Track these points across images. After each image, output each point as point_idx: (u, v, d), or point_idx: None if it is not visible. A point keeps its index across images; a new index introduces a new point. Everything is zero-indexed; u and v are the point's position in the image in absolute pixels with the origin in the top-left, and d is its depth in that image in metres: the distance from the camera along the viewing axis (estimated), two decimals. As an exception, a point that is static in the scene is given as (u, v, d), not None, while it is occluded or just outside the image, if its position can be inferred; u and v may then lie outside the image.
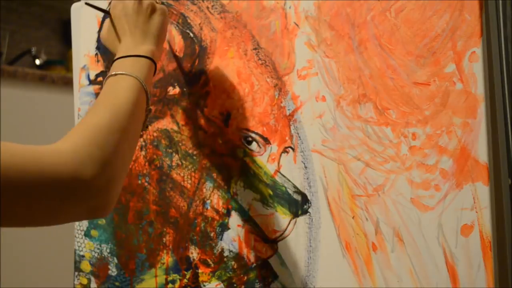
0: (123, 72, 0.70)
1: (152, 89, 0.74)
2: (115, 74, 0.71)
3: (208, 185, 0.87)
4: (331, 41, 0.78)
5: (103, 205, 0.61)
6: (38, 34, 2.56)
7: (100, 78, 0.99)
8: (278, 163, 0.81)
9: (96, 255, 0.97)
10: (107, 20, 0.80)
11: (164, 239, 0.90)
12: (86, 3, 0.83)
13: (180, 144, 0.90)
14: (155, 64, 0.75)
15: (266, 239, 0.82)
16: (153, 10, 0.78)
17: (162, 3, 0.92)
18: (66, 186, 0.56)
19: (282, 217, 0.80)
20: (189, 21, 0.90)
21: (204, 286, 0.86)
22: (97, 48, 0.99)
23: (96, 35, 0.99)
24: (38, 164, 0.54)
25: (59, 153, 0.57)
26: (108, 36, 0.80)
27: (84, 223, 0.98)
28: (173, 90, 0.91)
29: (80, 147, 0.59)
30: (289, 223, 0.80)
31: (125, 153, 0.64)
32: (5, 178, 0.51)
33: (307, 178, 0.78)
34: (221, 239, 0.85)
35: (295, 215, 0.79)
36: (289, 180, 0.80)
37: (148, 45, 0.75)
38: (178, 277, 0.89)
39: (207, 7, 0.89)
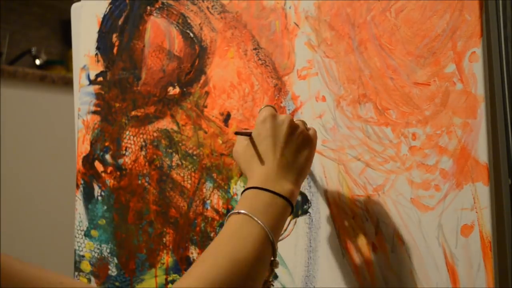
0: (251, 216, 0.60)
1: (280, 234, 0.63)
2: (242, 213, 0.61)
3: (208, 185, 0.87)
4: (331, 41, 0.78)
5: None
6: (38, 34, 2.56)
7: (100, 78, 0.99)
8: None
9: (96, 255, 0.97)
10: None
11: (164, 239, 0.90)
12: (236, 133, 0.70)
13: (180, 144, 0.90)
14: (292, 206, 0.64)
15: (266, 239, 0.82)
16: (303, 141, 0.67)
17: (162, 3, 0.92)
18: None
19: (282, 217, 0.80)
20: (189, 21, 0.90)
21: (204, 286, 0.86)
22: (97, 48, 0.99)
23: (96, 35, 0.99)
24: None
25: None
26: (243, 152, 0.68)
27: (84, 223, 0.98)
28: (173, 90, 0.91)
29: None
30: (289, 223, 0.80)
31: None
32: None
33: (307, 178, 0.78)
34: (221, 239, 0.85)
35: (295, 215, 0.79)
36: (289, 180, 0.80)
37: (290, 183, 0.64)
38: (178, 277, 0.89)
39: (207, 7, 0.89)
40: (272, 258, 0.61)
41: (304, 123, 0.70)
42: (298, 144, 0.66)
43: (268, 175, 0.64)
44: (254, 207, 0.61)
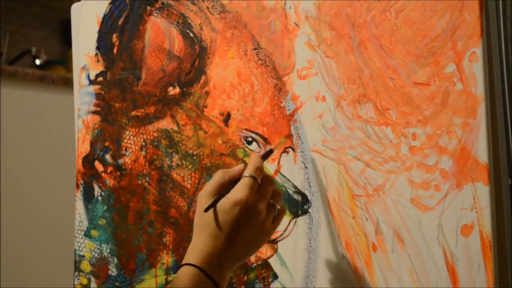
0: None
1: None
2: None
3: (208, 185, 0.87)
4: (331, 41, 0.78)
5: None
6: (38, 34, 2.56)
7: (100, 78, 0.99)
8: (278, 163, 0.81)
9: (96, 255, 0.97)
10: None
11: (164, 239, 0.90)
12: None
13: (180, 144, 0.90)
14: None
15: (266, 239, 0.82)
16: (261, 232, 0.68)
17: (162, 3, 0.92)
18: None
19: (282, 217, 0.80)
20: (189, 21, 0.90)
21: (204, 286, 0.86)
22: (97, 48, 0.99)
23: (96, 35, 0.99)
24: None
25: None
26: (212, 221, 0.69)
27: (84, 223, 0.98)
28: (173, 90, 0.91)
29: None
30: (289, 223, 0.80)
31: None
32: None
33: (307, 178, 0.78)
34: (221, 239, 0.85)
35: (295, 215, 0.79)
36: (289, 180, 0.80)
37: (227, 270, 0.67)
38: (178, 277, 0.89)
39: (207, 7, 0.89)
40: None
41: (274, 208, 0.69)
42: (254, 233, 0.67)
43: (212, 257, 0.66)
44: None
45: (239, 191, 0.67)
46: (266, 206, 0.68)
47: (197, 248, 0.67)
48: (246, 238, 0.66)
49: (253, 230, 0.67)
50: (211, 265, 0.65)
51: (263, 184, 0.68)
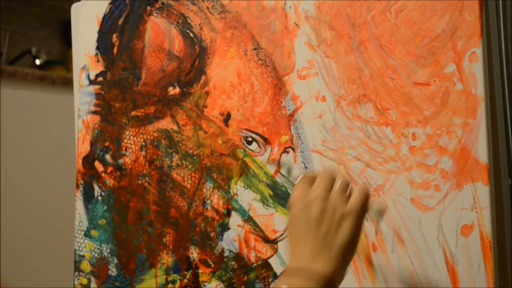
0: None
1: None
2: None
3: (208, 185, 0.87)
4: (331, 41, 0.78)
5: None
6: (38, 34, 2.56)
7: (100, 78, 0.99)
8: (278, 163, 0.81)
9: (96, 255, 0.97)
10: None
11: (164, 239, 0.90)
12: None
13: (180, 144, 0.90)
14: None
15: (266, 239, 0.82)
16: (342, 217, 0.62)
17: (162, 3, 0.92)
18: None
19: (282, 217, 0.80)
20: (189, 21, 0.90)
21: (205, 286, 0.86)
22: (97, 48, 0.99)
23: (96, 35, 0.99)
24: None
25: None
26: (288, 230, 0.66)
27: (84, 223, 0.98)
28: (173, 90, 0.91)
29: None
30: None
31: None
32: None
33: (307, 178, 0.78)
34: (221, 239, 0.85)
35: (295, 215, 0.79)
36: (289, 180, 0.80)
37: (329, 262, 0.61)
38: (178, 277, 0.89)
39: (207, 7, 0.89)
40: None
41: (345, 189, 0.65)
42: (336, 222, 0.62)
43: (304, 258, 0.62)
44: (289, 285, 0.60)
45: (292, 193, 0.66)
46: (333, 190, 0.64)
47: (290, 262, 0.64)
48: (322, 227, 0.62)
49: (325, 217, 0.62)
50: (306, 264, 0.62)
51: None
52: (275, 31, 0.82)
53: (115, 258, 0.95)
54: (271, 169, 0.81)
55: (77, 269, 0.99)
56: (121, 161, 0.95)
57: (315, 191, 0.64)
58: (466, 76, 0.68)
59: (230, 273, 0.84)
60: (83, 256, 0.98)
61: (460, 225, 0.68)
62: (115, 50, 0.98)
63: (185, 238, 0.88)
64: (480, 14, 0.67)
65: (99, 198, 0.97)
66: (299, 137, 0.79)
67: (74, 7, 1.03)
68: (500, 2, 0.72)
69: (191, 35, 0.90)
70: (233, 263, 0.84)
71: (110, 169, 0.96)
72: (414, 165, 0.71)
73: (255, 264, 0.83)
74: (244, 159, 0.83)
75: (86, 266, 0.98)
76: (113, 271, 0.95)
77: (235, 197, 0.84)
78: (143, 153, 0.93)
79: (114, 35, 0.98)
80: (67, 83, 2.02)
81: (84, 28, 1.01)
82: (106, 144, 0.97)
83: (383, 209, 0.69)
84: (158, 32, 0.93)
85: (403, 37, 0.72)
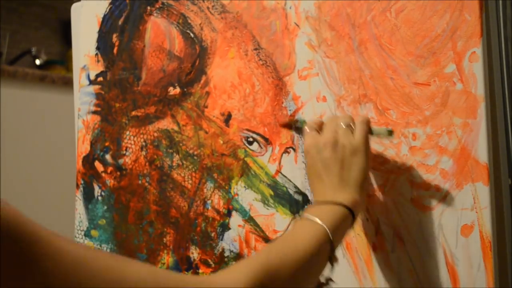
0: (311, 218, 0.65)
1: (341, 236, 0.67)
2: (302, 218, 0.66)
3: (209, 185, 0.87)
4: (331, 41, 0.78)
5: None
6: (38, 34, 2.56)
7: (100, 78, 0.99)
8: (279, 163, 0.81)
9: (96, 255, 0.97)
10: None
11: (164, 239, 0.90)
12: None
13: (181, 144, 0.90)
14: (353, 214, 0.67)
15: (267, 239, 0.82)
16: (352, 153, 0.69)
17: (163, 3, 0.92)
18: None
19: (283, 217, 0.81)
20: (189, 21, 0.90)
21: (205, 286, 0.86)
22: (97, 48, 0.99)
23: (96, 35, 0.99)
24: None
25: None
26: (307, 172, 0.75)
27: (84, 223, 0.98)
28: (174, 90, 0.91)
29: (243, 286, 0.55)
30: (290, 223, 0.80)
31: None
32: None
33: (306, 178, 0.78)
34: (221, 239, 0.85)
35: (296, 215, 0.79)
36: (290, 181, 0.80)
37: (349, 193, 0.68)
38: (178, 277, 0.89)
39: (208, 7, 0.89)
40: (330, 258, 0.64)
41: (349, 126, 0.71)
42: (347, 159, 0.69)
43: (325, 192, 0.69)
44: (313, 213, 0.66)
45: (304, 142, 0.74)
46: (339, 132, 0.71)
47: (314, 197, 0.71)
48: (335, 165, 0.69)
49: (337, 156, 0.69)
50: (327, 196, 0.69)
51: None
52: (276, 31, 0.82)
53: (115, 258, 0.95)
54: (272, 169, 0.81)
55: (78, 269, 0.99)
56: (121, 161, 0.95)
57: (324, 137, 0.71)
58: (466, 76, 0.68)
59: (231, 273, 0.84)
60: (83, 256, 0.98)
61: (460, 225, 0.68)
62: (115, 50, 0.98)
63: (186, 238, 0.88)
64: (480, 14, 0.68)
65: (99, 198, 0.97)
66: (300, 137, 0.79)
67: (74, 7, 1.03)
68: (500, 2, 0.72)
69: (192, 35, 0.90)
70: (233, 263, 0.84)
71: (110, 169, 0.96)
72: (414, 165, 0.71)
73: (255, 264, 0.83)
74: (245, 159, 0.83)
75: (86, 266, 0.98)
76: (113, 271, 0.95)
77: (236, 197, 0.84)
78: (144, 153, 0.93)
79: (114, 35, 0.98)
80: (67, 83, 2.02)
81: (84, 28, 1.01)
82: (106, 144, 0.97)
83: (390, 130, 0.72)
84: (159, 32, 0.93)
85: (403, 37, 0.72)
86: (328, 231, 0.63)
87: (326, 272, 0.65)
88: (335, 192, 0.68)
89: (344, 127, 0.71)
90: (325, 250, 0.63)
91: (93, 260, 0.45)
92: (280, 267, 0.59)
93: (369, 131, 0.71)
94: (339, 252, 0.76)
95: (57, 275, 0.41)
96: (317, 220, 0.64)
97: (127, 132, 0.95)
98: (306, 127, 0.74)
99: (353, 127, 0.71)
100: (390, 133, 0.71)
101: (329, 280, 0.66)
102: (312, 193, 0.72)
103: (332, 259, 0.64)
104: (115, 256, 0.52)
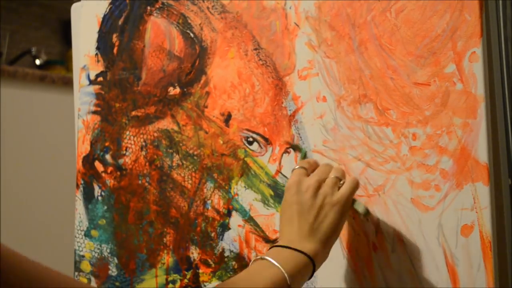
0: (272, 261, 0.65)
1: (299, 284, 0.67)
2: (262, 258, 0.66)
3: (209, 185, 0.87)
4: (331, 41, 0.78)
5: None
6: (38, 34, 2.56)
7: (100, 78, 0.99)
8: (279, 163, 0.81)
9: (96, 255, 0.97)
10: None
11: (164, 239, 0.90)
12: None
13: (181, 144, 0.90)
14: (314, 265, 0.67)
15: (267, 239, 0.82)
16: (331, 205, 0.69)
17: (163, 3, 0.92)
18: None
19: (282, 217, 0.80)
20: (189, 21, 0.90)
21: (205, 286, 0.86)
22: (97, 48, 0.99)
23: (96, 35, 0.99)
24: None
25: None
26: (280, 214, 0.73)
27: (84, 223, 0.98)
28: (174, 90, 0.91)
29: None
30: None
31: None
32: None
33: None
34: (221, 239, 0.85)
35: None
36: (290, 180, 0.80)
37: (315, 244, 0.67)
38: (178, 277, 0.89)
39: (208, 7, 0.89)
40: None
41: (337, 182, 0.71)
42: (322, 210, 0.69)
43: (291, 237, 0.68)
44: (277, 257, 0.65)
45: (289, 178, 0.73)
46: (326, 181, 0.71)
47: (280, 241, 0.70)
48: (311, 212, 0.69)
49: (315, 204, 0.69)
50: (293, 242, 0.68)
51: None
52: (276, 31, 0.82)
53: (115, 258, 0.95)
54: (272, 169, 0.81)
55: (77, 269, 0.99)
56: (121, 161, 0.95)
57: (310, 180, 0.71)
58: (466, 76, 0.68)
59: (231, 273, 0.84)
60: (83, 256, 0.98)
61: (460, 225, 0.68)
62: (115, 50, 0.98)
63: (186, 238, 0.88)
64: (480, 14, 0.68)
65: (99, 198, 0.97)
66: (300, 137, 0.79)
67: (74, 7, 1.03)
68: (500, 2, 0.72)
69: (192, 35, 0.90)
70: (233, 263, 0.84)
71: (110, 169, 0.96)
72: (414, 165, 0.71)
73: (255, 264, 0.83)
74: (245, 159, 0.83)
75: (86, 266, 0.98)
76: (113, 271, 0.95)
77: (236, 197, 0.84)
78: (144, 153, 0.93)
79: (114, 35, 0.98)
80: (67, 83, 2.02)
81: (84, 28, 1.01)
82: (106, 144, 0.97)
83: (367, 210, 0.72)
84: (159, 32, 0.93)
85: (403, 37, 0.72)
86: (287, 278, 0.63)
87: None
88: (302, 241, 0.67)
89: (333, 177, 0.71)
90: None
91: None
92: None
93: (352, 195, 0.71)
94: (339, 252, 0.76)
95: None
96: (278, 265, 0.64)
97: (127, 132, 0.95)
98: (296, 165, 0.73)
99: (342, 182, 0.71)
100: (367, 213, 0.72)
101: None
102: (279, 233, 0.71)
103: None
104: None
